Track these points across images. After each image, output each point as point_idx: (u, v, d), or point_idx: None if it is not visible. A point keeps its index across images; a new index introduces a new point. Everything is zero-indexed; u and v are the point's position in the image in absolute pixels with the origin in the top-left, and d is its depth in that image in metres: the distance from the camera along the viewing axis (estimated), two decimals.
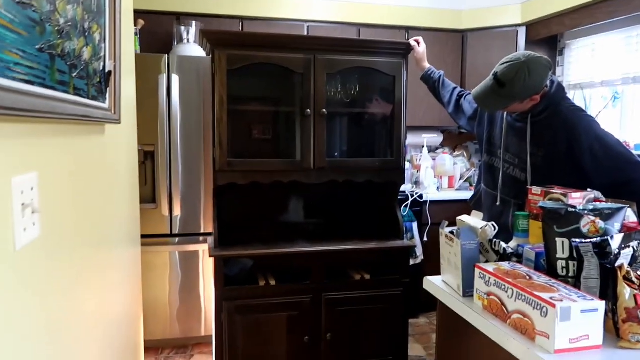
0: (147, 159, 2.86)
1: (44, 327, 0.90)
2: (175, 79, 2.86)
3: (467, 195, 3.12)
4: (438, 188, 3.73)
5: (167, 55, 2.90)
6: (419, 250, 3.39)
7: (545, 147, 1.85)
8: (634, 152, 3.04)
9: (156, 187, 2.88)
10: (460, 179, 3.88)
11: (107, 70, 1.33)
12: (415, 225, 3.38)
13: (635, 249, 1.13)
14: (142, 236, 2.20)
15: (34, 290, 0.85)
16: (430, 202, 3.49)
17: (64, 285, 1.03)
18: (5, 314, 0.73)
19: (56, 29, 0.92)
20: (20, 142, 0.81)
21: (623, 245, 1.11)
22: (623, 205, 1.27)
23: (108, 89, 1.35)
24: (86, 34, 1.14)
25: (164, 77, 2.85)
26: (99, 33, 1.26)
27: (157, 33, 3.33)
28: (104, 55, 1.32)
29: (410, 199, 3.40)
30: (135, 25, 3.03)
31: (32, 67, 0.80)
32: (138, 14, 3.07)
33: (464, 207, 2.73)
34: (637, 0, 2.89)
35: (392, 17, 3.74)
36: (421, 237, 3.43)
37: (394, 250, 2.46)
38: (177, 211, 2.91)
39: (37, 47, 0.82)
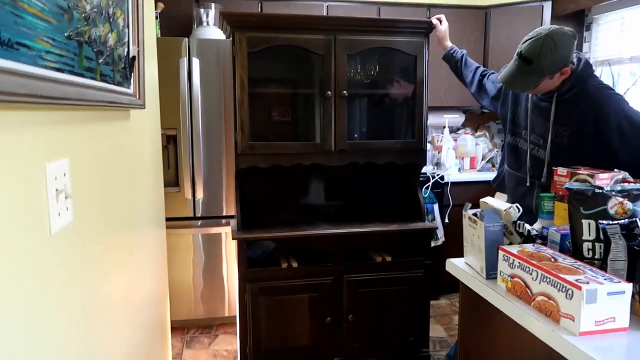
0: (169, 142, 2.89)
1: (80, 307, 0.94)
2: (195, 62, 2.87)
3: (489, 176, 3.09)
4: (459, 169, 3.70)
5: (187, 38, 2.91)
6: (440, 232, 3.38)
7: (571, 127, 1.81)
8: None
9: (179, 171, 2.92)
10: (482, 160, 3.83)
11: (131, 56, 1.35)
12: (436, 207, 3.37)
13: None
14: (166, 219, 2.24)
15: (69, 273, 0.88)
16: (452, 183, 3.46)
17: (96, 268, 1.06)
18: (45, 296, 0.76)
19: (83, 15, 0.94)
20: (52, 129, 0.83)
21: None
22: None
23: (132, 74, 1.37)
24: (111, 19, 1.15)
25: (185, 60, 2.86)
26: (122, 18, 1.27)
27: (177, 16, 3.34)
28: (128, 41, 1.33)
29: (432, 181, 3.38)
30: (156, 9, 3.04)
31: (62, 54, 0.82)
32: None
33: (486, 188, 2.71)
34: None
35: None
36: (442, 219, 3.42)
37: (415, 232, 2.46)
38: (200, 194, 2.95)
39: (65, 34, 0.84)
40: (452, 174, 3.53)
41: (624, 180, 1.38)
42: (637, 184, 1.28)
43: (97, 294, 1.07)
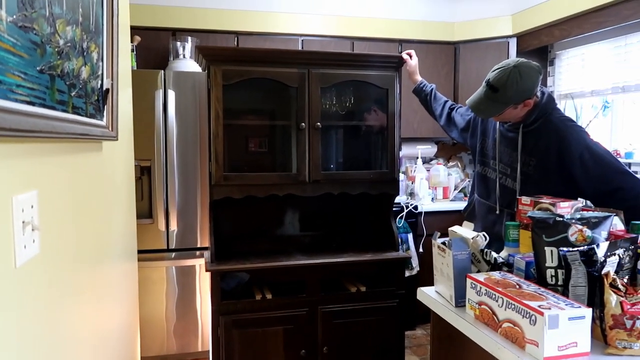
0: (143, 174, 2.88)
1: (42, 343, 0.92)
2: (171, 94, 2.89)
3: (461, 205, 3.15)
4: (433, 199, 3.76)
5: (163, 71, 2.94)
6: (415, 262, 3.41)
7: (536, 156, 1.88)
8: (625, 161, 3.11)
9: (153, 202, 2.90)
10: (454, 190, 3.91)
11: (104, 88, 1.36)
12: (410, 236, 3.41)
13: (621, 256, 1.16)
14: (139, 251, 2.22)
15: (34, 306, 0.87)
16: (425, 213, 3.52)
17: (62, 302, 1.05)
18: (5, 331, 0.75)
19: (56, 50, 0.95)
20: (21, 161, 0.83)
21: (609, 253, 1.14)
22: (609, 214, 1.30)
23: (105, 106, 1.38)
24: (84, 53, 1.17)
25: (160, 92, 2.89)
26: (97, 52, 1.30)
27: (154, 49, 3.38)
28: (102, 74, 1.35)
29: (405, 210, 3.43)
30: (132, 41, 3.07)
31: (33, 88, 0.83)
32: (134, 30, 3.12)
33: (459, 217, 2.76)
34: (624, 11, 2.95)
35: (386, 30, 3.80)
36: (417, 248, 3.46)
37: (389, 261, 2.48)
38: (174, 226, 2.93)
39: (38, 68, 0.85)
40: (425, 204, 3.59)
41: (583, 209, 1.43)
42: (596, 212, 1.33)
43: (64, 327, 1.05)
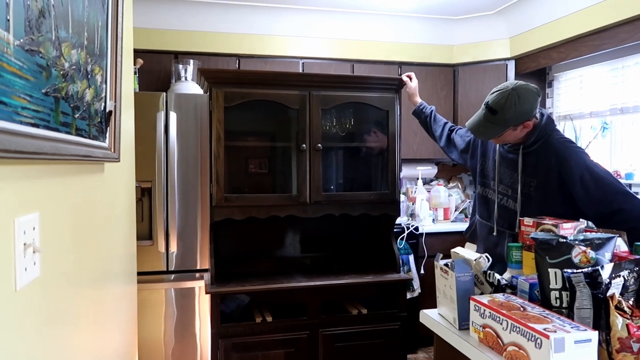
0: (144, 195, 2.88)
1: None
2: (173, 116, 2.91)
3: (462, 226, 3.14)
4: (433, 220, 3.75)
5: (165, 93, 2.96)
6: (416, 283, 3.38)
7: (537, 178, 1.89)
8: (625, 181, 3.12)
9: (153, 224, 2.89)
10: (455, 211, 3.90)
11: (107, 110, 1.37)
12: (411, 257, 3.39)
13: (626, 278, 1.15)
14: (138, 273, 2.20)
15: (34, 329, 0.86)
16: (426, 234, 3.50)
17: (61, 325, 1.03)
18: (4, 355, 0.74)
19: (61, 72, 0.96)
20: (24, 183, 0.83)
21: (614, 275, 1.13)
22: (613, 235, 1.29)
23: (108, 128, 1.39)
24: (89, 76, 1.18)
25: (162, 114, 2.90)
26: (101, 75, 1.31)
27: (156, 71, 3.41)
28: (105, 96, 1.36)
29: (406, 232, 3.42)
30: (135, 64, 3.11)
31: (38, 110, 0.83)
32: (137, 53, 3.16)
33: (460, 238, 2.75)
34: (621, 34, 2.99)
35: (385, 53, 3.84)
36: (418, 270, 3.43)
37: (390, 283, 2.46)
38: (174, 247, 2.91)
39: (43, 91, 0.86)
40: (426, 225, 3.58)
41: (586, 230, 1.43)
42: (599, 233, 1.33)
43: (63, 351, 1.04)
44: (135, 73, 3.06)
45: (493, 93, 1.85)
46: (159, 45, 3.46)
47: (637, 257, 1.26)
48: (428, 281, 3.37)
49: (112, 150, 1.43)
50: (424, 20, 3.89)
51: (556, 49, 3.49)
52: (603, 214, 1.78)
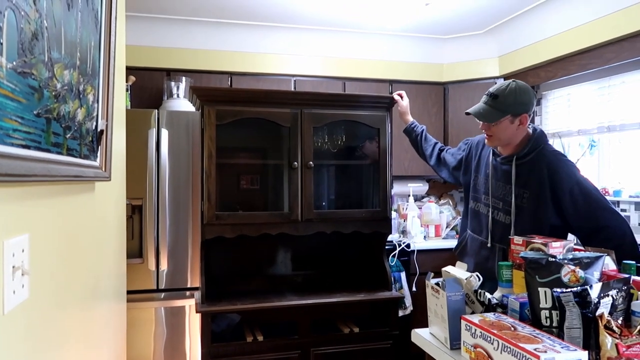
0: (134, 212, 2.86)
1: None
2: (164, 133, 2.91)
3: (454, 243, 3.14)
4: (425, 237, 3.76)
5: (157, 110, 2.97)
6: (408, 301, 3.37)
7: (530, 189, 1.91)
8: (613, 199, 3.16)
9: (143, 242, 2.86)
10: (446, 227, 3.92)
11: (99, 130, 1.37)
12: (403, 275, 3.38)
13: (615, 297, 1.16)
14: (128, 292, 2.18)
15: (21, 355, 0.85)
16: (418, 251, 3.51)
17: (50, 348, 1.02)
18: None
19: (53, 93, 0.97)
20: (14, 205, 0.83)
21: (602, 294, 1.14)
22: (601, 254, 1.31)
23: (99, 147, 1.39)
24: (81, 95, 1.19)
25: (154, 131, 2.90)
26: (93, 94, 1.31)
27: (148, 88, 3.42)
28: (97, 115, 1.36)
29: (398, 249, 3.42)
30: (127, 81, 3.12)
31: (29, 132, 0.83)
32: (129, 70, 3.17)
33: (451, 255, 2.76)
34: (607, 54, 3.06)
35: (377, 71, 3.89)
36: (410, 287, 3.42)
37: (382, 301, 2.45)
38: (164, 265, 2.88)
39: (34, 112, 0.86)
40: (418, 242, 3.58)
41: (575, 249, 1.44)
42: (587, 252, 1.34)
43: None
44: (127, 90, 3.06)
45: (495, 85, 1.95)
46: (151, 62, 3.47)
47: (625, 276, 1.27)
48: (420, 299, 3.36)
49: (103, 169, 1.43)
50: (414, 39, 3.95)
51: (544, 68, 3.55)
52: (589, 229, 1.81)
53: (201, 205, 2.32)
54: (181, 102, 3.22)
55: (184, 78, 3.32)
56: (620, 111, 3.23)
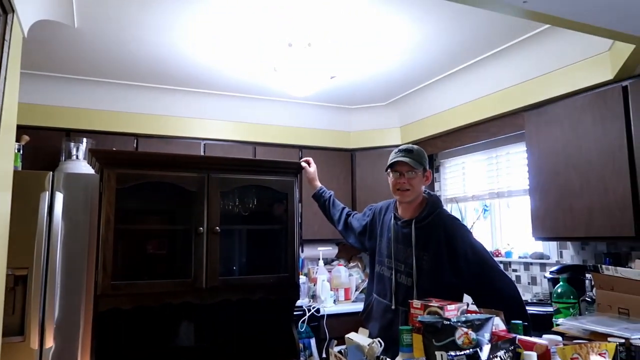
0: (17, 284, 2.58)
1: None
2: (59, 196, 2.72)
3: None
4: (335, 301, 3.76)
5: (51, 172, 2.78)
6: None
7: (429, 251, 2.00)
8: (505, 259, 3.40)
9: (25, 317, 2.57)
10: (355, 290, 3.95)
11: None
12: (313, 341, 3.32)
13: (502, 357, 1.22)
14: None
15: None
16: (328, 315, 3.48)
17: None
18: None
19: None
20: None
21: (492, 356, 1.19)
22: (491, 315, 1.38)
23: None
24: None
25: (47, 194, 2.70)
26: None
27: (43, 148, 3.23)
28: None
29: (307, 314, 3.37)
30: (19, 141, 2.92)
31: None
32: (23, 129, 2.97)
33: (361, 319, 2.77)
34: (492, 128, 3.40)
35: (287, 137, 3.99)
36: (320, 354, 3.36)
37: None
38: (50, 343, 2.59)
39: None
40: (327, 306, 3.57)
41: (468, 311, 1.51)
42: (478, 315, 1.41)
43: None
44: (18, 150, 2.86)
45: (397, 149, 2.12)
46: (49, 122, 3.30)
47: (512, 336, 1.35)
48: None
49: None
50: (323, 108, 4.13)
51: (441, 138, 3.86)
52: (481, 290, 1.93)
53: (95, 274, 2.15)
54: (80, 164, 3.07)
55: (85, 139, 3.18)
56: (506, 179, 3.56)
